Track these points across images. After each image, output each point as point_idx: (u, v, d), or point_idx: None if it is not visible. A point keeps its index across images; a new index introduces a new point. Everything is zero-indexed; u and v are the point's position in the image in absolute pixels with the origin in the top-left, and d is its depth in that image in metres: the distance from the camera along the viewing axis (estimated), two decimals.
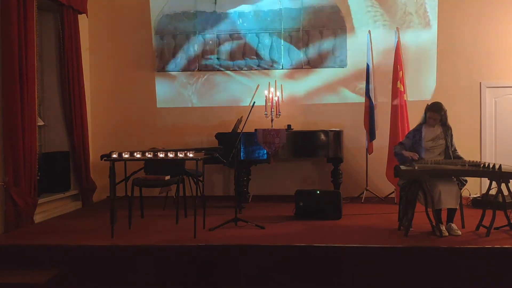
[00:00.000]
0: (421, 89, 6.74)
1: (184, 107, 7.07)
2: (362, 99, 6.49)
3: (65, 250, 4.13)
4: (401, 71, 6.03)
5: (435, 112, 4.64)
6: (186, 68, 7.05)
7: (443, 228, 4.35)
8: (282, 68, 6.93)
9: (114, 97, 7.10)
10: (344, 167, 6.43)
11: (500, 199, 4.34)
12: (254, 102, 5.24)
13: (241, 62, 6.97)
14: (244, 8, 6.94)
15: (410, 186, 4.47)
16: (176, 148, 5.06)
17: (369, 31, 6.44)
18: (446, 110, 4.68)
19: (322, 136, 6.00)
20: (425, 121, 4.72)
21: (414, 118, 5.36)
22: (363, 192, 6.40)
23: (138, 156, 4.33)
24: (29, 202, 5.08)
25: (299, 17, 6.89)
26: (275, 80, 6.78)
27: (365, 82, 6.34)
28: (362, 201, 6.25)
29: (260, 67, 6.96)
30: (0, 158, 4.91)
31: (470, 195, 5.99)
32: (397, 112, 5.96)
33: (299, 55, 6.90)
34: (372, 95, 6.23)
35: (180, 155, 4.33)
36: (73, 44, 6.28)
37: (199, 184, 4.85)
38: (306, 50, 6.90)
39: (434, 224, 4.39)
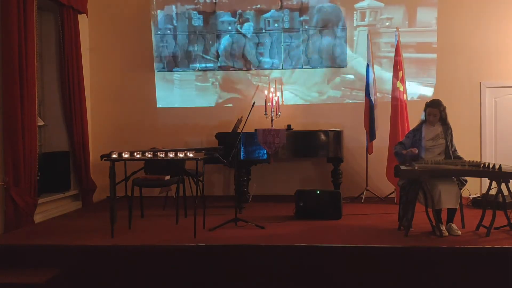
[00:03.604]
0: (421, 89, 6.74)
1: (184, 107, 7.07)
2: (362, 99, 6.50)
3: (65, 250, 4.12)
4: (401, 71, 6.03)
5: (434, 108, 4.65)
6: (186, 68, 7.05)
7: (443, 228, 4.35)
8: (282, 68, 6.93)
9: (114, 97, 7.11)
10: (344, 167, 6.42)
11: (500, 199, 4.34)
12: (254, 102, 5.25)
13: (241, 62, 6.98)
14: (244, 8, 6.94)
15: (410, 186, 4.47)
16: (176, 148, 5.06)
17: (369, 31, 6.44)
18: (445, 107, 4.69)
19: (322, 136, 6.00)
20: (425, 119, 4.73)
21: (414, 118, 5.36)
22: (363, 192, 6.40)
23: (138, 156, 4.33)
24: (29, 202, 5.08)
25: (299, 17, 6.89)
26: (275, 80, 6.78)
27: (365, 82, 6.35)
28: (362, 201, 6.25)
29: (260, 67, 6.96)
30: (0, 158, 4.92)
31: (470, 195, 5.99)
32: (397, 112, 5.96)
33: (299, 55, 6.90)
34: (372, 95, 6.23)
35: (180, 155, 4.33)
36: (73, 44, 6.28)
37: (199, 184, 4.85)
38: (306, 50, 6.90)
39: (434, 224, 4.39)
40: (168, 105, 7.10)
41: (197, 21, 7.00)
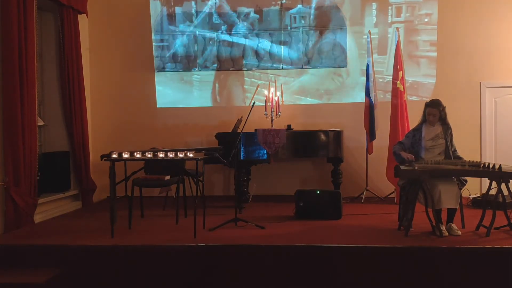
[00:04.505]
0: (421, 89, 6.75)
1: (184, 107, 7.07)
2: (362, 99, 6.50)
3: (65, 250, 4.12)
4: (401, 71, 6.03)
5: (434, 108, 4.65)
6: (186, 68, 7.05)
7: (443, 228, 4.35)
8: (282, 68, 6.93)
9: (114, 97, 7.11)
10: (344, 167, 6.42)
11: (500, 199, 4.34)
12: (254, 102, 5.25)
13: (241, 62, 6.97)
14: (244, 8, 6.94)
15: (410, 186, 4.47)
16: (176, 148, 5.06)
17: (369, 31, 6.44)
18: (445, 107, 4.69)
19: (322, 136, 6.00)
20: (424, 119, 4.73)
21: (414, 118, 5.36)
22: (363, 192, 6.39)
23: (138, 156, 4.33)
24: (29, 202, 5.08)
25: (299, 17, 6.89)
26: (275, 80, 6.78)
27: (365, 81, 6.35)
28: (362, 201, 6.25)
29: (260, 67, 6.96)
30: (0, 158, 4.91)
31: (470, 195, 5.99)
32: (397, 112, 5.95)
33: (299, 55, 6.90)
34: (372, 95, 6.23)
35: (180, 155, 4.33)
36: (73, 44, 6.28)
37: (199, 184, 4.85)
38: (306, 50, 6.90)
39: (434, 224, 4.39)
40: (168, 105, 7.10)
41: (197, 21, 6.99)
